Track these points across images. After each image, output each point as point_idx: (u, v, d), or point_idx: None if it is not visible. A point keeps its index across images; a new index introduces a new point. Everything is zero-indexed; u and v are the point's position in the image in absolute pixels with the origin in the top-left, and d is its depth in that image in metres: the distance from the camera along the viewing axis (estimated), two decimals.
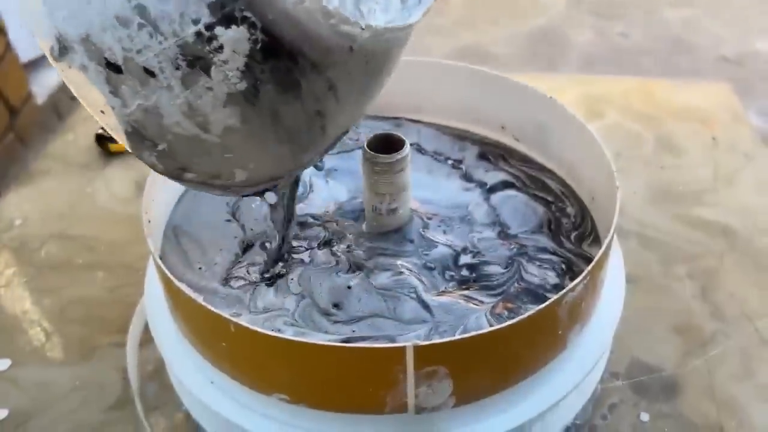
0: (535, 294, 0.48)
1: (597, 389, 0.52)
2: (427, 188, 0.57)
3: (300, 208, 0.56)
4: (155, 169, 0.41)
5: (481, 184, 0.58)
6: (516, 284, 0.48)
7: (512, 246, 0.52)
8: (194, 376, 0.46)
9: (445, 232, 0.53)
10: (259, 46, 0.34)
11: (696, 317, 0.58)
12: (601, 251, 0.42)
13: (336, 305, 0.47)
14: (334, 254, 0.51)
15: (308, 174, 0.59)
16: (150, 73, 0.35)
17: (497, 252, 0.51)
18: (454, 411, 0.41)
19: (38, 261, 0.65)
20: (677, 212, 0.69)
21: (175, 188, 0.56)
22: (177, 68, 0.34)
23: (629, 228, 0.67)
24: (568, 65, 1.80)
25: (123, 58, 0.35)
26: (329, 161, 0.60)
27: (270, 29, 0.34)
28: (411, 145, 0.51)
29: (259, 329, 0.38)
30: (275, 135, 0.39)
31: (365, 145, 0.50)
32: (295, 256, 0.51)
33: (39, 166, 0.78)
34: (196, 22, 0.33)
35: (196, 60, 0.34)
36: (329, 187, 0.58)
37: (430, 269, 0.50)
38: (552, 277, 0.49)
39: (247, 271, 0.50)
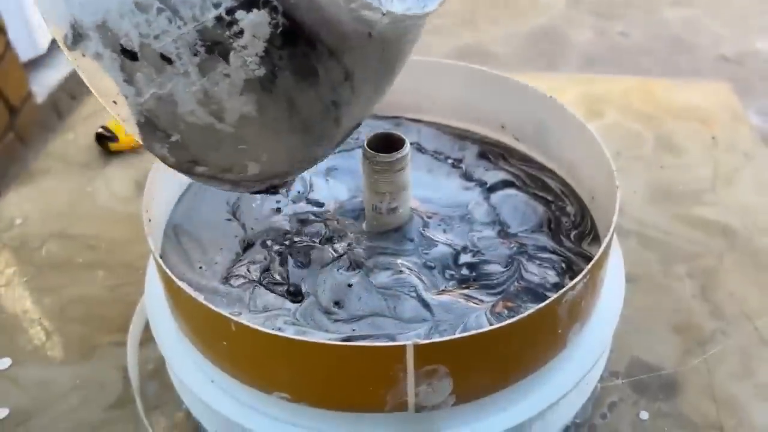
0: (535, 293, 0.48)
1: (597, 388, 0.52)
2: (427, 187, 0.57)
3: (300, 207, 0.56)
4: (166, 162, 0.41)
5: (481, 183, 0.58)
6: (516, 283, 0.48)
7: (512, 245, 0.52)
8: (195, 375, 0.46)
9: (445, 231, 0.53)
10: (279, 30, 0.33)
11: (696, 316, 0.58)
12: (600, 250, 0.42)
13: (336, 304, 0.47)
14: (335, 252, 0.51)
15: (308, 173, 0.59)
16: (167, 59, 0.34)
17: (497, 251, 0.51)
18: (454, 410, 0.41)
19: (38, 260, 0.65)
20: (677, 211, 0.69)
21: (176, 187, 0.56)
22: (195, 54, 0.34)
23: (629, 227, 0.67)
24: (568, 65, 1.80)
25: (139, 45, 0.34)
26: (329, 160, 0.60)
27: (291, 13, 0.33)
28: (411, 144, 0.51)
29: (260, 328, 0.38)
30: (290, 125, 0.38)
31: (365, 144, 0.50)
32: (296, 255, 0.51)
33: (39, 165, 0.78)
34: (217, 6, 0.32)
35: (214, 45, 0.34)
36: (329, 186, 0.58)
37: (430, 268, 0.50)
38: (552, 276, 0.49)
39: (248, 270, 0.50)
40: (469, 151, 0.62)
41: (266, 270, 0.50)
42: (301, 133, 0.39)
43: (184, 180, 0.56)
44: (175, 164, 0.41)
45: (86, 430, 0.50)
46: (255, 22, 0.33)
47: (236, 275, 0.50)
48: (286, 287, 0.49)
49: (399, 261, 0.50)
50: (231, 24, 0.33)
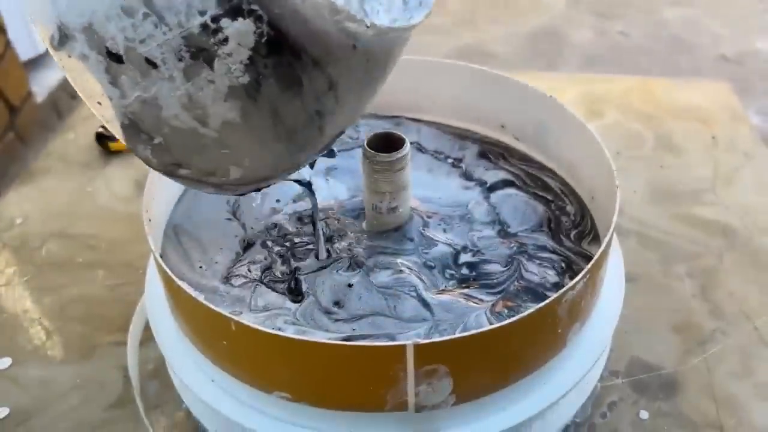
0: (535, 292, 0.48)
1: (596, 387, 0.52)
2: (427, 187, 0.57)
3: (300, 205, 0.56)
4: (149, 164, 0.41)
5: (481, 183, 0.58)
6: (516, 283, 0.49)
7: (512, 244, 0.52)
8: (195, 375, 0.46)
9: (445, 231, 0.53)
10: (264, 39, 0.34)
11: (695, 316, 0.58)
12: (600, 250, 0.42)
13: (337, 303, 0.47)
14: (335, 251, 0.51)
15: (308, 173, 0.59)
16: (152, 63, 0.35)
17: (497, 250, 0.51)
18: (454, 409, 0.41)
19: (39, 260, 0.65)
20: (677, 211, 0.69)
21: (176, 187, 0.56)
22: (180, 59, 0.34)
23: (629, 227, 0.67)
24: (568, 64, 1.80)
25: (125, 48, 0.34)
26: (329, 160, 0.61)
27: (276, 23, 0.34)
28: (411, 143, 0.51)
29: (260, 327, 0.38)
30: (273, 132, 0.39)
31: (365, 144, 0.50)
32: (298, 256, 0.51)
33: (39, 164, 0.78)
34: (202, 13, 0.33)
35: (199, 52, 0.34)
36: (329, 186, 0.58)
37: (430, 268, 0.50)
38: (552, 276, 0.49)
39: (248, 270, 0.50)
40: (469, 151, 0.62)
41: (267, 269, 0.50)
42: (284, 141, 0.40)
43: None
44: (158, 166, 0.41)
45: (86, 429, 0.50)
46: (240, 31, 0.33)
47: (236, 275, 0.50)
48: (286, 285, 0.49)
49: (399, 260, 0.50)
50: (216, 31, 0.33)
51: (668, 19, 1.98)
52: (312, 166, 0.56)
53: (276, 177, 0.45)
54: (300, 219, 0.54)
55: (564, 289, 0.40)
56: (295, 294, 0.48)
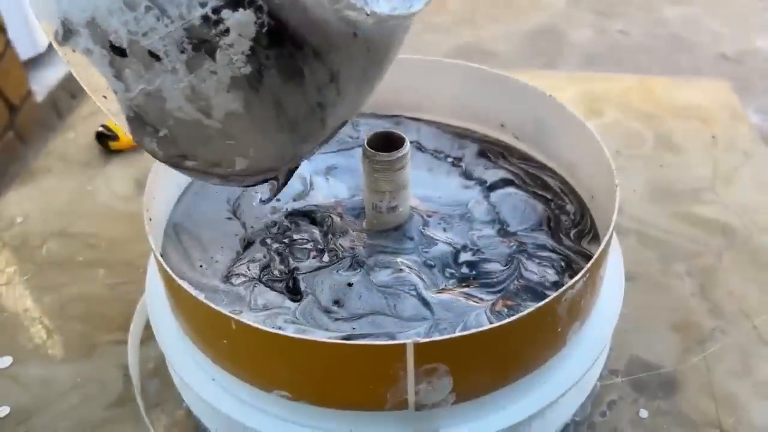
0: (535, 291, 0.48)
1: (596, 386, 0.52)
2: (427, 186, 0.57)
3: (300, 204, 0.56)
4: (155, 156, 0.41)
5: (481, 182, 0.58)
6: (515, 282, 0.49)
7: (512, 243, 0.52)
8: (195, 374, 0.46)
9: (445, 230, 0.53)
10: (264, 30, 0.34)
11: (695, 315, 0.58)
12: (600, 249, 0.42)
13: (336, 302, 0.47)
14: (335, 250, 0.51)
15: (309, 172, 0.59)
16: (155, 56, 0.35)
17: (497, 249, 0.51)
18: (454, 408, 0.41)
19: (39, 259, 0.65)
20: (676, 210, 0.69)
21: (176, 186, 0.56)
22: (182, 51, 0.35)
23: (628, 226, 0.67)
24: (567, 63, 1.80)
25: (128, 42, 0.35)
26: (329, 159, 0.61)
27: (276, 13, 0.34)
28: (411, 143, 0.51)
29: (260, 326, 0.38)
30: (276, 123, 0.39)
31: (365, 143, 0.50)
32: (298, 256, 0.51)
33: (39, 164, 0.78)
34: (203, 5, 0.33)
35: (201, 43, 0.34)
36: (329, 185, 0.58)
37: (430, 267, 0.50)
38: (551, 275, 0.49)
39: (248, 269, 0.50)
40: (468, 150, 0.62)
41: (265, 268, 0.50)
42: (287, 132, 0.40)
43: (184, 179, 0.56)
44: (164, 158, 0.41)
45: (87, 428, 0.50)
46: (241, 21, 0.34)
47: (237, 274, 0.50)
48: (285, 284, 0.49)
49: (399, 259, 0.50)
50: (217, 23, 0.34)
51: (668, 17, 1.98)
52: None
53: (280, 168, 0.46)
54: (301, 219, 0.54)
55: (564, 288, 0.40)
56: (294, 293, 0.48)
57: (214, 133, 0.39)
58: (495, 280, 0.49)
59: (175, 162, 0.42)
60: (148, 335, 0.53)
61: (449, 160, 0.61)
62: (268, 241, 0.52)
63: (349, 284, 0.49)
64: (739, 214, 0.68)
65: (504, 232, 0.53)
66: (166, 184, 0.53)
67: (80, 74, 0.38)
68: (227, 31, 0.34)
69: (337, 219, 0.54)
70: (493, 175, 0.59)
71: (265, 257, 0.51)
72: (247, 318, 0.45)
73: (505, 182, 0.58)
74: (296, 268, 0.50)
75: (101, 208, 0.71)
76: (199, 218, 0.55)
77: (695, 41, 1.87)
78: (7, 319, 0.59)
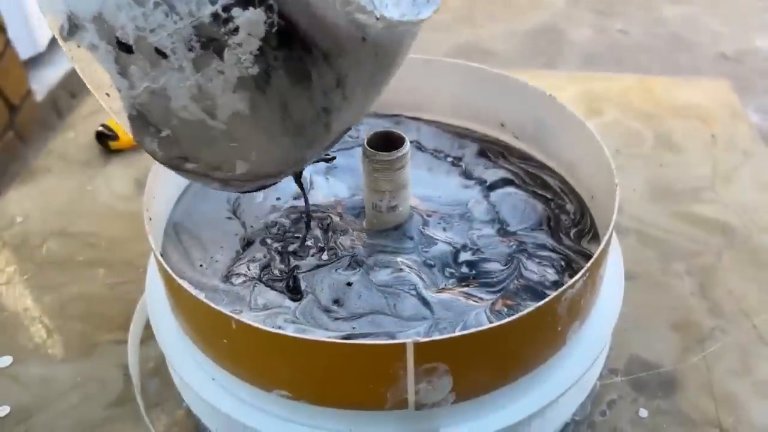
0: (535, 291, 0.48)
1: (596, 386, 0.52)
2: (426, 185, 0.57)
3: (301, 203, 0.56)
4: (155, 157, 0.41)
5: (481, 182, 0.58)
6: (515, 281, 0.49)
7: (512, 243, 0.52)
8: (195, 373, 0.46)
9: (444, 230, 0.53)
10: (274, 30, 0.34)
11: (694, 314, 0.58)
12: (600, 248, 0.42)
13: (336, 302, 0.47)
14: (335, 249, 0.51)
15: (309, 171, 0.59)
16: (161, 53, 0.34)
17: (497, 249, 0.51)
18: (454, 407, 0.41)
19: (39, 258, 0.65)
20: (676, 209, 0.69)
21: (176, 186, 0.56)
22: (190, 50, 0.34)
23: (628, 225, 0.67)
24: (567, 63, 1.80)
25: (135, 38, 0.34)
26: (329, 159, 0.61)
27: (286, 13, 0.34)
28: (411, 142, 0.51)
29: (260, 326, 0.38)
30: (281, 126, 0.39)
31: (365, 143, 0.50)
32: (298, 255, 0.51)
33: (39, 163, 0.78)
34: (213, 2, 0.33)
35: (209, 42, 0.34)
36: (329, 185, 0.58)
37: (430, 266, 0.50)
38: (551, 274, 0.49)
39: (248, 268, 0.50)
40: (468, 150, 0.62)
41: (265, 267, 0.50)
42: (291, 136, 0.40)
43: (184, 179, 0.56)
44: (164, 159, 0.41)
45: (87, 427, 0.50)
46: (250, 20, 0.33)
47: (237, 273, 0.50)
48: (284, 284, 0.49)
49: (399, 259, 0.50)
50: (227, 21, 0.33)
51: (668, 17, 1.98)
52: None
53: (280, 174, 0.45)
54: (301, 219, 0.54)
55: (563, 287, 0.40)
56: (294, 292, 0.48)
57: (217, 134, 0.38)
58: (495, 279, 0.49)
59: (176, 164, 0.41)
60: (148, 335, 0.53)
61: (449, 159, 0.61)
62: (268, 240, 0.52)
63: (349, 284, 0.49)
64: (738, 213, 0.68)
65: (504, 231, 0.53)
66: (166, 184, 0.53)
67: (84, 70, 0.37)
68: (237, 29, 0.33)
69: (336, 218, 0.54)
70: (492, 174, 0.59)
71: (265, 257, 0.51)
72: (247, 317, 0.45)
73: (505, 182, 0.58)
74: (296, 267, 0.50)
75: (101, 207, 0.71)
76: (199, 218, 0.55)
77: (695, 41, 1.87)
78: (7, 319, 0.59)
